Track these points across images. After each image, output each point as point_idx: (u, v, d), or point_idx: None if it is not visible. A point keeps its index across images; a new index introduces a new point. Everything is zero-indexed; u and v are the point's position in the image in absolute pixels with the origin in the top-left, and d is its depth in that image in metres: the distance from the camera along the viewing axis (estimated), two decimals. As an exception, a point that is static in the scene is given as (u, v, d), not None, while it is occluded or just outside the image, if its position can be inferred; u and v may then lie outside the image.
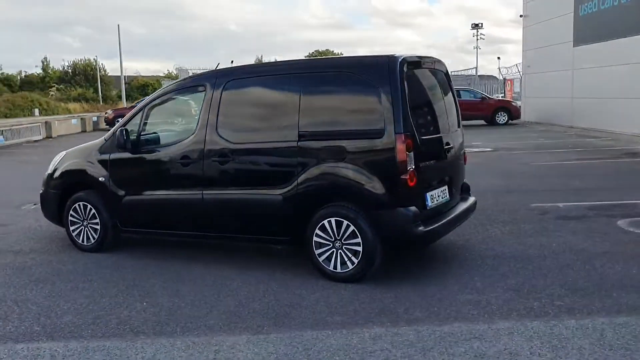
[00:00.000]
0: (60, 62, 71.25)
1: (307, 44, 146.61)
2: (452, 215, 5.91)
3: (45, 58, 72.37)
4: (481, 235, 7.10)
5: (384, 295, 5.12)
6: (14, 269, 6.29)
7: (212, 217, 6.10)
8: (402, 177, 5.19)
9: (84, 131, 32.15)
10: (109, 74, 69.99)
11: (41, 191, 7.37)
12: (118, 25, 75.58)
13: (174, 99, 6.67)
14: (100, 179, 6.74)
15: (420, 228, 5.27)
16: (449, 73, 6.58)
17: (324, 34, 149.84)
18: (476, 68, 49.81)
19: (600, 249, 6.33)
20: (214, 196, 6.02)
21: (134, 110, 6.78)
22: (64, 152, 7.41)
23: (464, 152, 6.62)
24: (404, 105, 5.21)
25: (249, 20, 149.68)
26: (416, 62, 5.81)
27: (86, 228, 6.85)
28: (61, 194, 7.09)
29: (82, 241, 6.89)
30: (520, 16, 29.12)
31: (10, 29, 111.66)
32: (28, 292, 5.49)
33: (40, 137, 26.89)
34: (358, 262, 5.38)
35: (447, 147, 5.96)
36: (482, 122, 26.77)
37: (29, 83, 64.88)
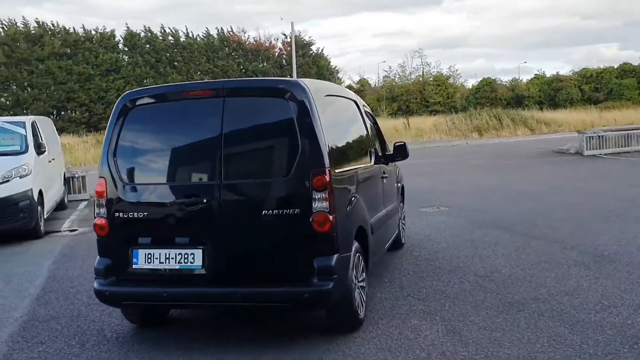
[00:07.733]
0: None
1: None
2: (187, 290, 4.44)
3: None
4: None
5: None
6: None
7: None
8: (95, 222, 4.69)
9: None
10: None
11: None
12: None
13: None
14: None
15: (100, 283, 4.60)
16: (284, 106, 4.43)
17: None
18: None
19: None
20: None
21: None
22: None
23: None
24: (107, 144, 4.68)
25: None
26: (158, 95, 4.83)
27: None
28: None
29: None
30: None
31: None
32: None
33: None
34: None
35: (190, 199, 4.41)
36: None
37: None
